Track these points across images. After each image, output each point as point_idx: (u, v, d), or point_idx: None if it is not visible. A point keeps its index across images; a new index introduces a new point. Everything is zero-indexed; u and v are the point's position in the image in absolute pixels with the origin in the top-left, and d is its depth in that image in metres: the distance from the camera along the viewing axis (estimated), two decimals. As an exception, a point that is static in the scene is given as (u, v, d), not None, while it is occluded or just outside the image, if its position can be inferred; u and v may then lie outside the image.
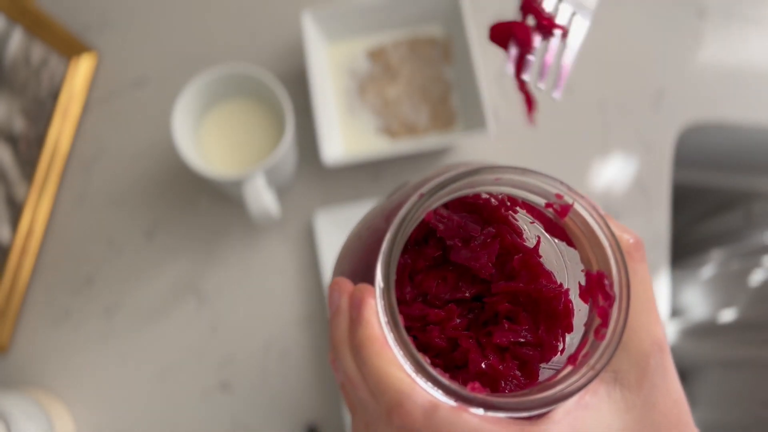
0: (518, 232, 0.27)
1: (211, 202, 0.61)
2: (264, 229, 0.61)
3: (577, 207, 0.24)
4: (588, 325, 0.24)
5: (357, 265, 0.27)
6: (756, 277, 0.65)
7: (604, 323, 0.22)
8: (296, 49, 0.65)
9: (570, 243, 0.25)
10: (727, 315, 0.64)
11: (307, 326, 0.59)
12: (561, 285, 0.26)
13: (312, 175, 0.62)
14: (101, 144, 0.63)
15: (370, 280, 0.23)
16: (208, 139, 0.57)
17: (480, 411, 0.21)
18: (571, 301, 0.25)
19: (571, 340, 0.25)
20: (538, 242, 0.26)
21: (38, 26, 0.57)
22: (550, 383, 0.22)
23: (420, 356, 0.21)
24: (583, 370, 0.22)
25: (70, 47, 0.62)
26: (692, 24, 0.68)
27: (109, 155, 0.63)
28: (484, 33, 0.67)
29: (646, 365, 0.23)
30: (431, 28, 0.64)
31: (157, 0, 0.67)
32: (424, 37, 0.64)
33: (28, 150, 0.59)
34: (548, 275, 0.26)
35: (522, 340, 0.25)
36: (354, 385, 0.23)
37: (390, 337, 0.22)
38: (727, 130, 0.67)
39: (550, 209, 0.25)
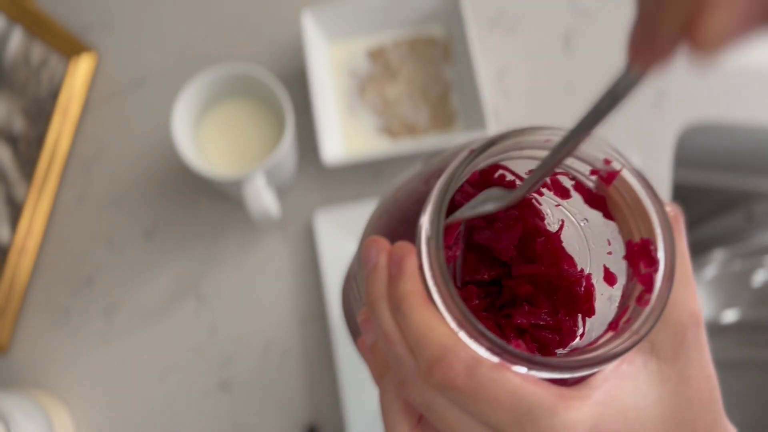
0: (541, 217, 0.26)
1: (211, 203, 0.61)
2: (264, 229, 0.61)
3: (625, 174, 0.23)
4: (626, 295, 0.23)
5: (393, 227, 0.27)
6: (758, 278, 0.65)
7: (648, 289, 0.22)
8: (296, 49, 0.65)
9: (607, 215, 0.25)
10: (730, 316, 0.63)
11: (307, 326, 0.59)
12: (582, 270, 0.25)
13: (312, 175, 0.62)
14: (101, 144, 0.63)
15: (408, 242, 0.23)
16: (207, 139, 0.56)
17: (523, 369, 0.21)
18: (593, 285, 0.25)
19: (591, 325, 0.25)
20: (561, 226, 0.26)
21: (38, 26, 0.57)
22: (590, 348, 0.22)
23: (467, 310, 0.21)
24: (626, 335, 0.22)
25: (70, 47, 0.62)
26: (693, 23, 0.68)
27: (108, 155, 0.63)
28: (484, 32, 0.67)
29: (683, 338, 0.22)
30: (431, 27, 0.64)
31: (157, 0, 0.67)
32: (424, 37, 0.64)
33: (28, 150, 0.59)
34: (569, 260, 0.26)
35: (542, 323, 0.25)
36: (391, 341, 0.22)
37: (434, 291, 0.21)
38: (728, 129, 0.67)
39: (595, 176, 0.24)
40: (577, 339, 0.25)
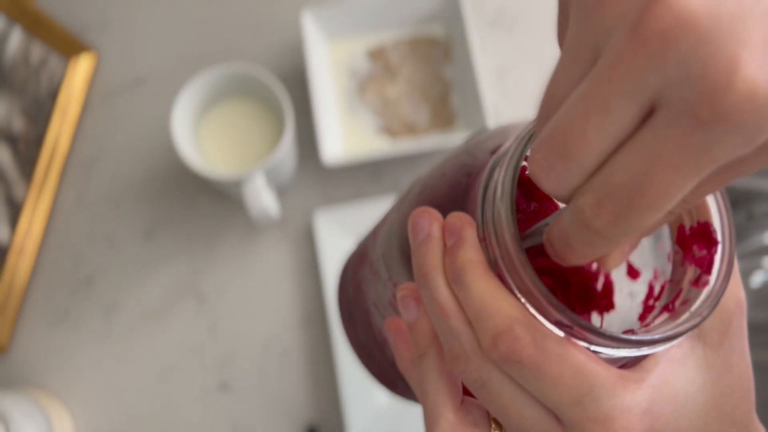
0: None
1: (211, 202, 0.61)
2: (264, 229, 0.61)
3: None
4: (676, 280, 0.23)
5: (441, 201, 0.25)
6: (757, 279, 0.64)
7: (707, 270, 0.22)
8: (296, 49, 0.65)
9: None
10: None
11: (307, 326, 0.58)
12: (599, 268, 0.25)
13: (312, 175, 0.62)
14: (100, 144, 0.63)
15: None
16: (207, 139, 0.56)
17: (584, 345, 0.20)
18: (611, 281, 0.24)
19: (610, 322, 0.25)
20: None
21: (37, 26, 0.57)
22: (647, 328, 0.22)
23: (538, 279, 0.20)
24: (686, 316, 0.21)
25: (69, 47, 0.62)
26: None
27: (108, 155, 0.63)
28: (485, 32, 0.67)
29: (729, 324, 0.22)
30: (431, 27, 0.64)
31: (157, 0, 0.67)
32: (424, 37, 0.64)
33: (28, 150, 0.59)
34: None
35: None
36: (447, 313, 0.21)
37: (501, 261, 0.21)
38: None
39: None
40: None
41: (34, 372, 0.58)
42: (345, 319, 0.39)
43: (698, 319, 0.21)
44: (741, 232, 0.77)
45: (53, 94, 0.62)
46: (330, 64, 0.63)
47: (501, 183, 0.21)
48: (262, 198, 0.51)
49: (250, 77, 0.54)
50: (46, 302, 0.59)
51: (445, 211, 0.23)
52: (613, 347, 0.20)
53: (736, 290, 0.23)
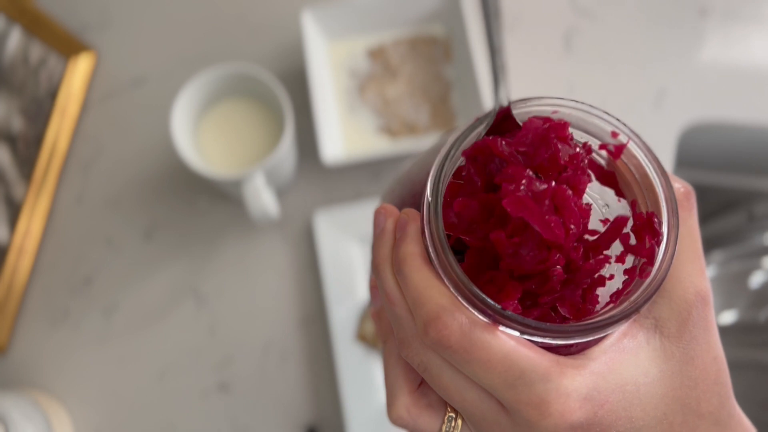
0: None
1: (210, 203, 0.61)
2: (263, 229, 0.61)
3: (632, 147, 0.23)
4: (632, 270, 0.23)
5: (405, 197, 0.27)
6: (756, 279, 0.64)
7: (650, 262, 0.22)
8: (296, 49, 0.65)
9: (619, 192, 0.25)
10: (727, 317, 0.63)
11: (307, 327, 0.58)
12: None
13: (312, 174, 0.62)
14: (100, 144, 0.63)
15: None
16: (207, 139, 0.56)
17: (516, 333, 0.21)
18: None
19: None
20: (589, 210, 0.25)
21: (37, 25, 0.57)
22: (589, 317, 0.22)
23: (462, 273, 0.21)
24: (624, 305, 0.21)
25: (68, 47, 0.62)
26: (694, 23, 0.67)
27: (107, 155, 0.63)
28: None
29: (688, 316, 0.22)
30: (431, 27, 0.64)
31: (157, 0, 0.67)
32: (424, 36, 0.64)
33: (27, 149, 0.59)
34: None
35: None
36: (393, 302, 0.23)
37: (433, 254, 0.22)
38: (729, 129, 0.67)
39: (604, 150, 0.24)
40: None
41: (33, 372, 0.57)
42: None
43: (632, 307, 0.21)
44: (741, 232, 0.77)
45: (52, 94, 0.61)
46: (330, 64, 0.63)
47: (430, 181, 0.22)
48: (262, 198, 0.51)
49: (249, 77, 0.54)
50: (45, 302, 0.59)
51: (407, 206, 0.24)
52: (537, 336, 0.21)
53: (697, 281, 0.23)
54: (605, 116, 0.23)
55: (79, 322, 0.59)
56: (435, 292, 0.21)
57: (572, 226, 0.23)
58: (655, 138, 0.64)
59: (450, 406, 0.24)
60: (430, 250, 0.22)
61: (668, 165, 0.64)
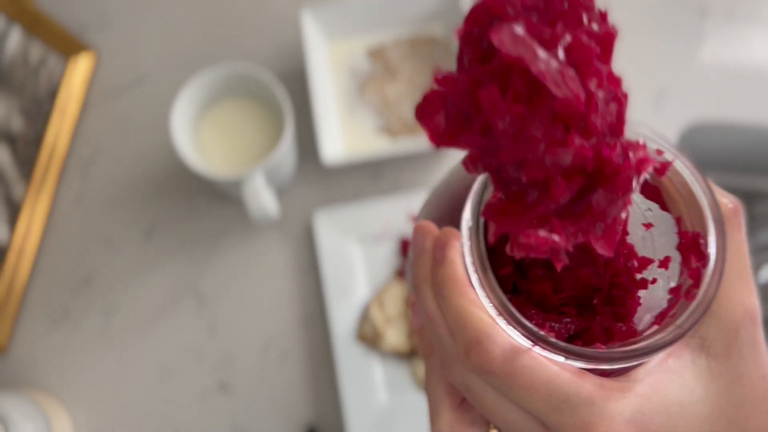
0: None
1: (210, 203, 0.61)
2: (263, 229, 0.61)
3: (677, 164, 0.22)
4: (678, 290, 0.23)
5: (444, 212, 0.26)
6: (764, 274, 0.64)
7: (696, 284, 0.21)
8: (296, 49, 0.65)
9: (664, 207, 0.24)
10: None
11: (307, 326, 0.58)
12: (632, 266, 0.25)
13: (312, 174, 0.62)
14: (100, 143, 0.63)
15: (456, 226, 0.23)
16: (207, 139, 0.56)
17: (560, 358, 0.21)
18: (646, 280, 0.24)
19: (640, 317, 0.24)
20: (627, 215, 0.24)
21: (36, 25, 0.57)
22: (633, 340, 0.22)
23: (504, 297, 0.21)
24: (670, 329, 0.21)
25: (68, 47, 0.62)
26: (694, 23, 0.67)
27: (107, 155, 0.63)
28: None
29: (736, 335, 0.22)
30: (432, 26, 0.64)
31: (157, 0, 0.67)
32: (424, 36, 0.64)
33: (27, 149, 0.59)
34: (630, 248, 0.25)
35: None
36: (434, 322, 0.23)
37: (474, 277, 0.22)
38: (729, 129, 0.67)
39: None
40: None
41: (33, 372, 0.57)
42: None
43: (679, 332, 0.20)
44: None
45: (52, 94, 0.61)
46: (330, 64, 0.63)
47: (471, 203, 0.22)
48: (262, 198, 0.51)
49: (249, 77, 0.53)
50: (45, 302, 0.59)
51: (448, 222, 0.24)
52: (581, 361, 0.20)
53: (745, 300, 0.22)
54: (650, 134, 0.23)
55: (79, 322, 0.58)
56: (475, 316, 0.21)
57: (600, 93, 0.17)
58: (656, 138, 0.64)
59: (492, 423, 0.24)
60: (471, 272, 0.22)
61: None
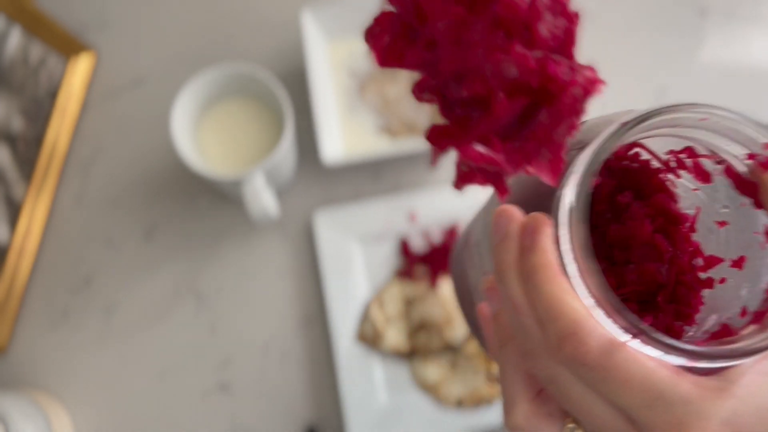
0: (675, 200, 0.25)
1: (210, 203, 0.61)
2: (263, 229, 0.61)
3: None
4: None
5: (527, 196, 0.25)
6: None
7: None
8: (296, 49, 0.65)
9: (758, 203, 0.23)
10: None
11: (307, 326, 0.58)
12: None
13: (312, 174, 0.62)
14: (100, 144, 0.63)
15: (540, 210, 0.22)
16: (207, 139, 0.56)
17: (658, 353, 0.20)
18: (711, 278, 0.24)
19: (705, 314, 0.24)
20: (698, 212, 0.24)
21: (36, 26, 0.57)
22: (730, 339, 0.21)
23: (608, 287, 0.20)
24: None
25: (68, 47, 0.62)
26: (693, 23, 0.67)
27: (107, 155, 0.63)
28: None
29: None
30: (431, 27, 0.64)
31: (156, 0, 0.67)
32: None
33: (27, 150, 0.59)
34: (695, 246, 0.24)
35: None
36: (519, 311, 0.22)
37: (572, 266, 0.21)
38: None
39: (751, 161, 0.22)
40: (691, 328, 0.24)
41: (33, 372, 0.57)
42: (457, 293, 0.39)
43: None
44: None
45: (52, 94, 0.61)
46: (330, 64, 0.63)
47: (576, 189, 0.21)
48: (262, 198, 0.51)
49: (249, 77, 0.54)
50: (45, 302, 0.59)
51: (532, 207, 0.23)
52: (683, 358, 0.20)
53: None
54: (759, 128, 0.22)
55: (79, 322, 0.59)
56: (570, 306, 0.21)
57: (544, 1, 0.17)
58: (655, 138, 0.64)
59: (571, 416, 0.24)
60: (567, 260, 0.21)
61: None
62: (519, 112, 0.20)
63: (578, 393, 0.21)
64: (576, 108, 0.20)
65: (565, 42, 0.19)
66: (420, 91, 0.20)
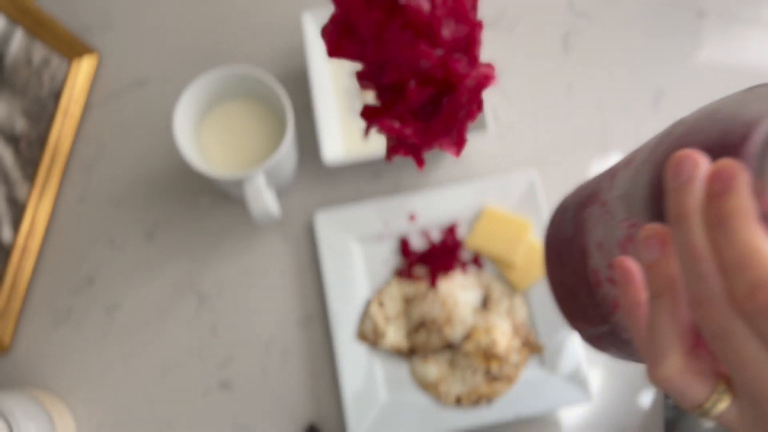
0: None
1: (212, 203, 0.62)
2: (265, 229, 0.61)
3: None
4: None
5: (711, 146, 0.25)
6: None
7: None
8: (297, 51, 0.65)
9: None
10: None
11: (308, 325, 0.59)
12: None
13: (312, 175, 0.62)
14: (102, 144, 0.63)
15: (729, 155, 0.22)
16: (209, 140, 0.57)
17: None
18: None
19: None
20: None
21: (39, 27, 0.58)
22: None
23: None
24: None
25: (71, 48, 0.62)
26: (692, 24, 0.68)
27: (110, 155, 0.63)
28: (484, 33, 0.67)
29: None
30: (431, 28, 0.65)
31: (159, 1, 0.67)
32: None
33: (30, 150, 0.59)
34: None
35: None
36: (699, 257, 0.21)
37: None
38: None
39: None
40: None
41: (36, 371, 0.58)
42: (552, 258, 0.39)
43: None
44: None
45: (55, 95, 0.62)
46: (330, 65, 0.64)
47: None
48: (264, 198, 0.51)
49: (251, 78, 0.54)
50: (48, 302, 0.59)
51: (715, 152, 0.23)
52: None
53: None
54: None
55: (82, 321, 0.59)
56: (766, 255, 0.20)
57: (442, 10, 0.23)
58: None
59: (722, 377, 0.23)
60: None
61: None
62: (429, 98, 0.26)
63: (751, 350, 0.20)
64: (472, 99, 0.26)
65: (469, 44, 0.25)
66: (360, 79, 0.26)
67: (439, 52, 0.24)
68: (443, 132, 0.27)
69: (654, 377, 0.24)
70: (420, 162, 0.29)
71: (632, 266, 0.26)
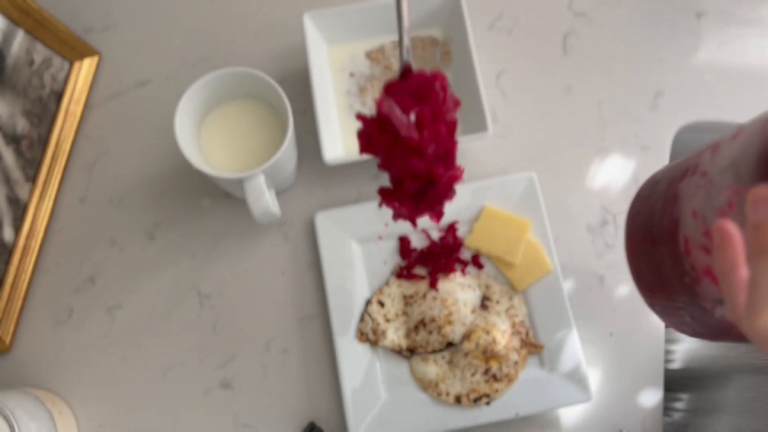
0: None
1: (213, 203, 0.62)
2: (265, 228, 0.61)
3: None
4: None
5: None
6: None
7: None
8: (297, 52, 0.65)
9: None
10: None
11: (308, 325, 0.59)
12: None
13: (312, 175, 0.63)
14: (103, 145, 0.64)
15: None
16: (210, 140, 0.57)
17: None
18: None
19: None
20: None
21: (41, 28, 0.58)
22: None
23: None
24: None
25: (72, 49, 0.63)
26: (691, 25, 0.68)
27: (111, 156, 0.63)
28: (484, 34, 0.68)
29: None
30: (431, 29, 0.65)
31: (160, 2, 0.68)
32: (423, 38, 0.65)
33: (31, 150, 0.59)
34: None
35: None
36: None
37: None
38: (724, 128, 0.68)
39: None
40: None
41: (37, 371, 0.58)
42: (637, 231, 0.43)
43: None
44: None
45: (57, 95, 0.62)
46: (330, 66, 0.64)
47: None
48: (265, 197, 0.52)
49: (251, 79, 0.54)
50: (49, 301, 0.60)
51: None
52: None
53: None
54: None
55: (83, 321, 0.59)
56: None
57: (427, 136, 0.39)
58: (652, 139, 0.65)
59: None
60: None
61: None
62: (419, 188, 0.42)
63: None
64: (447, 190, 0.43)
65: (447, 154, 0.41)
66: (380, 168, 0.42)
67: (425, 161, 0.40)
68: (428, 209, 0.44)
69: (754, 328, 0.25)
70: (414, 224, 0.46)
71: (733, 229, 0.28)
